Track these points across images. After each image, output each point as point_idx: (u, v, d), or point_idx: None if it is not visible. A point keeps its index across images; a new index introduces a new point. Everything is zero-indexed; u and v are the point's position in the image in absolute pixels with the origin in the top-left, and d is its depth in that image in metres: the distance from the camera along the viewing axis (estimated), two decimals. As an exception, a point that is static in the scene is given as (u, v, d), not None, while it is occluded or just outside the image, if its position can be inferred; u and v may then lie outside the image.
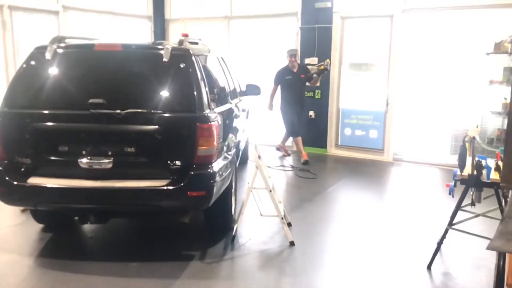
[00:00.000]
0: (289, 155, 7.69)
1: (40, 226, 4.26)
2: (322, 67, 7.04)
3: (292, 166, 6.98)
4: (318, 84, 7.61)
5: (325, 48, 7.72)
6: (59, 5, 7.67)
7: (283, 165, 7.02)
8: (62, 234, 4.20)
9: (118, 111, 3.35)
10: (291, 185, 6.17)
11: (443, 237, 3.55)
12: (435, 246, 3.61)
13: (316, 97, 7.87)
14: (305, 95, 7.61)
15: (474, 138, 3.33)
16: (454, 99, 7.07)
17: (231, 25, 8.70)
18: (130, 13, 8.96)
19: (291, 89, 7.21)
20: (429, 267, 3.59)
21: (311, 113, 7.94)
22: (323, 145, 7.91)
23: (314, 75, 7.16)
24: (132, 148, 3.42)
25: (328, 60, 7.18)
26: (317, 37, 7.78)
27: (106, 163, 3.38)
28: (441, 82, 7.17)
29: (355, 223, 4.66)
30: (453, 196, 3.48)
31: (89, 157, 3.39)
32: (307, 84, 7.40)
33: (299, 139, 7.33)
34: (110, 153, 3.40)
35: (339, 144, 7.89)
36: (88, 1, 8.17)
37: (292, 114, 7.26)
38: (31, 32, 7.28)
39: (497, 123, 6.45)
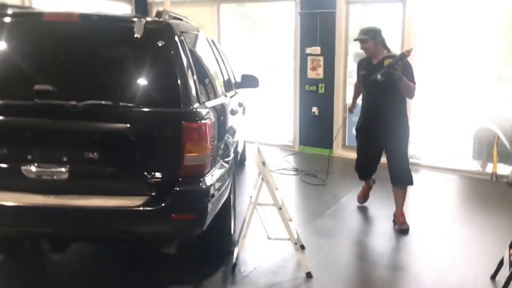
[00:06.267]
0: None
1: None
2: (388, 60, 3.79)
3: (296, 169, 6.06)
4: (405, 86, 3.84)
5: (328, 36, 6.79)
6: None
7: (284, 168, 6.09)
8: (15, 259, 3.28)
9: (73, 102, 2.47)
10: (298, 194, 5.28)
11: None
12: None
13: (320, 91, 6.96)
14: (396, 106, 4.02)
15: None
16: (476, 97, 6.23)
17: (221, 10, 7.73)
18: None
19: (366, 92, 4.22)
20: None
21: (314, 109, 7.04)
22: (328, 145, 6.99)
23: (378, 76, 3.78)
24: (95, 153, 2.54)
25: (406, 50, 3.72)
26: (319, 24, 6.86)
27: (60, 172, 2.52)
28: (460, 76, 6.31)
29: (383, 245, 3.80)
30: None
31: (36, 164, 2.52)
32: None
33: (367, 185, 4.60)
34: (64, 159, 2.54)
35: (346, 144, 6.99)
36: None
37: (360, 135, 4.35)
38: None
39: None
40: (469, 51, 6.21)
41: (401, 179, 4.09)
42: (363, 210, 4.56)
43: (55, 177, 2.53)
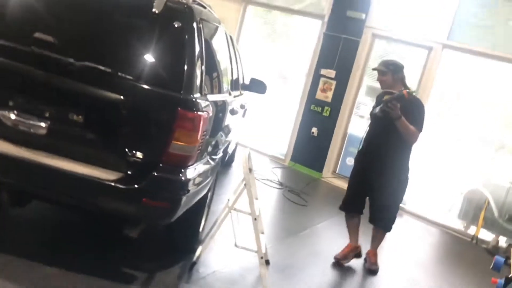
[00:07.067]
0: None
1: None
2: (387, 96, 3.56)
3: (281, 184, 5.98)
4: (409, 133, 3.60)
5: (346, 63, 6.76)
6: None
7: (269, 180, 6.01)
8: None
9: (71, 60, 2.38)
10: (277, 209, 5.19)
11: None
12: None
13: (324, 114, 6.91)
14: (397, 148, 3.71)
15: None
16: (475, 158, 6.21)
17: (247, 10, 7.70)
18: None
19: (371, 127, 3.88)
20: None
21: (314, 130, 6.98)
22: (319, 168, 6.96)
23: (377, 110, 3.67)
24: (80, 117, 2.45)
25: (406, 91, 3.46)
26: (340, 49, 6.82)
27: (39, 127, 2.42)
28: (463, 134, 6.30)
29: (349, 279, 3.73)
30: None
31: (16, 112, 2.42)
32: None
33: (354, 223, 4.08)
34: (47, 114, 2.44)
35: (337, 172, 6.93)
36: None
37: (357, 165, 4.00)
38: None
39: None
40: (476, 114, 6.21)
41: (384, 223, 3.91)
42: (337, 240, 4.45)
43: (32, 130, 2.42)
